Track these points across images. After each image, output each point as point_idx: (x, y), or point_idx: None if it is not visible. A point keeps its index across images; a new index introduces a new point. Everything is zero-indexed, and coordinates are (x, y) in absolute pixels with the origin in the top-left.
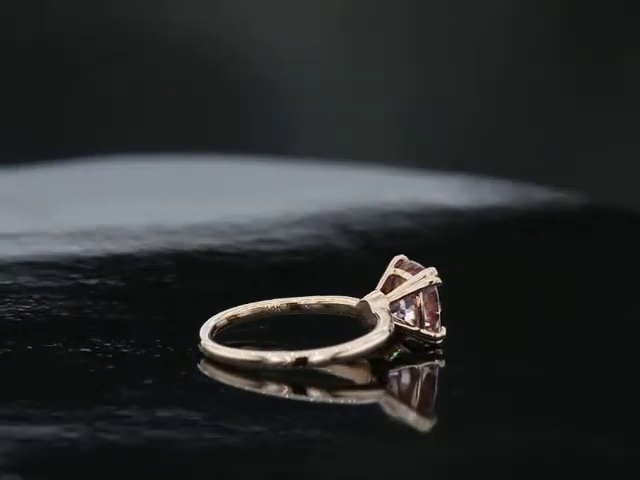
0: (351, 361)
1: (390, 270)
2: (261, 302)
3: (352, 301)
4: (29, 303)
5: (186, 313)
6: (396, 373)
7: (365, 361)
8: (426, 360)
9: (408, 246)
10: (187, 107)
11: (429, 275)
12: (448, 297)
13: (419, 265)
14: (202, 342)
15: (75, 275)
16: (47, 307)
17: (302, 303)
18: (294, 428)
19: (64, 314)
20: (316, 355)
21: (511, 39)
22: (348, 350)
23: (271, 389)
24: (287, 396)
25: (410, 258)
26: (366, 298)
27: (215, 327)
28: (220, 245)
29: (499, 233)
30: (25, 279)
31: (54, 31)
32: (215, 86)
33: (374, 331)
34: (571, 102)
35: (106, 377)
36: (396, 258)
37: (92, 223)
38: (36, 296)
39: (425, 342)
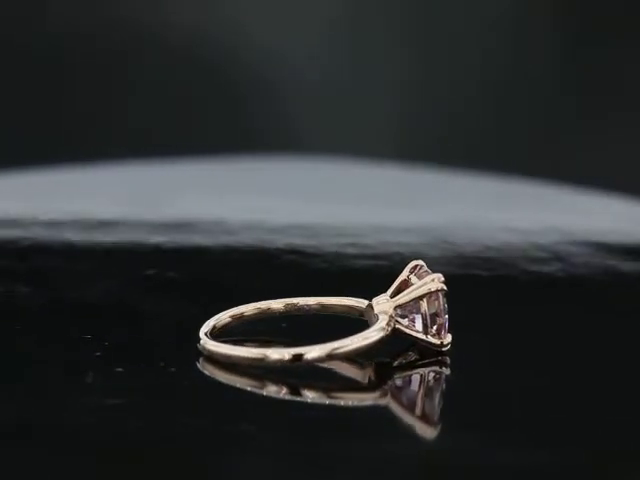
0: (348, 357)
1: (404, 275)
2: (261, 302)
3: (349, 301)
4: (71, 288)
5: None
6: (400, 378)
7: (372, 364)
8: (431, 366)
9: (494, 260)
10: (187, 107)
11: (433, 281)
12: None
13: (430, 272)
14: (202, 341)
15: (138, 264)
16: (85, 293)
17: (301, 304)
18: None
19: (94, 301)
20: (314, 351)
21: (511, 38)
22: (345, 346)
23: (262, 387)
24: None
25: (489, 272)
26: (372, 301)
27: (215, 327)
28: (306, 245)
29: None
30: (87, 265)
31: (54, 31)
32: (215, 86)
33: (370, 329)
34: (571, 101)
35: (85, 364)
36: (412, 263)
37: (193, 216)
38: (85, 282)
39: (431, 349)
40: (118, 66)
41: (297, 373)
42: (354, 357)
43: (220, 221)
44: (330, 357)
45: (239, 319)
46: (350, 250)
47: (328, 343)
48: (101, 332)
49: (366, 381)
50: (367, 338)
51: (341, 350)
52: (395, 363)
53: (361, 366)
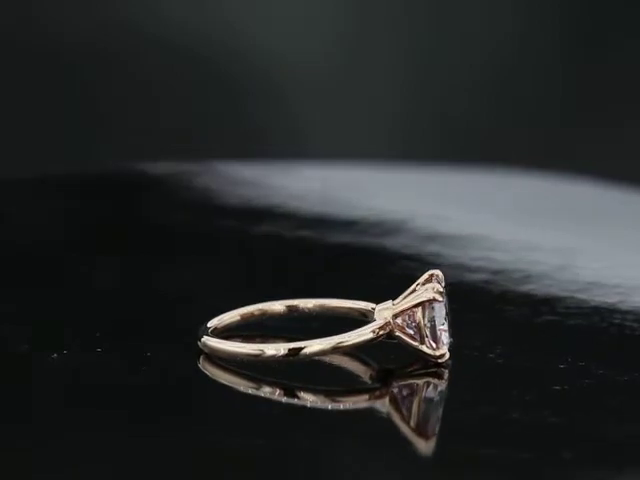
0: (346, 352)
1: (414, 284)
2: (262, 304)
3: (347, 303)
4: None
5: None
6: (399, 386)
7: (375, 369)
8: (426, 377)
9: (607, 287)
10: (187, 108)
11: (428, 291)
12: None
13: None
14: (203, 339)
15: (258, 254)
16: (181, 277)
17: (301, 306)
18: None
19: (177, 287)
20: (312, 346)
21: (512, 38)
22: (344, 342)
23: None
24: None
25: (590, 297)
26: (377, 306)
27: (216, 327)
28: (433, 254)
29: None
30: (205, 251)
31: (54, 31)
32: (215, 87)
33: (364, 327)
34: (571, 100)
35: (77, 342)
36: (429, 272)
37: (360, 215)
38: (171, 272)
39: (427, 359)
40: (117, 67)
41: (297, 374)
42: (355, 357)
43: (380, 222)
44: (332, 350)
45: (241, 320)
46: (475, 263)
47: (324, 338)
48: (119, 316)
49: (366, 386)
50: (361, 335)
51: (342, 345)
52: (398, 371)
53: (363, 370)
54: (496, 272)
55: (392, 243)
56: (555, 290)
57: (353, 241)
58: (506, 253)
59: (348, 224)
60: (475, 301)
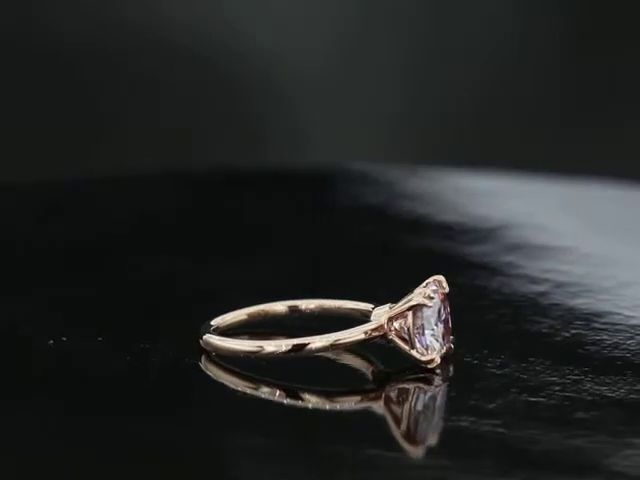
0: (347, 349)
1: (417, 287)
2: (265, 304)
3: (349, 304)
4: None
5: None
6: (395, 389)
7: (375, 370)
8: (416, 382)
9: None
10: (187, 108)
11: (418, 296)
12: None
13: (434, 289)
14: (204, 336)
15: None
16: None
17: (303, 307)
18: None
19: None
20: (313, 343)
21: (511, 38)
22: (342, 339)
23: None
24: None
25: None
26: (376, 308)
27: (218, 327)
28: (505, 263)
29: None
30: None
31: (54, 31)
32: (215, 88)
33: (359, 326)
34: (571, 97)
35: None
36: (432, 278)
37: (461, 220)
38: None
39: (417, 364)
40: (118, 66)
41: (297, 374)
42: (356, 358)
43: (473, 229)
44: (330, 348)
45: (243, 320)
46: (544, 275)
47: (322, 335)
48: (154, 304)
49: (362, 388)
50: (353, 335)
51: (338, 343)
52: (394, 375)
53: (362, 372)
54: (558, 285)
55: (472, 250)
56: (605, 306)
57: (434, 246)
58: (582, 267)
59: (441, 229)
60: (515, 312)
